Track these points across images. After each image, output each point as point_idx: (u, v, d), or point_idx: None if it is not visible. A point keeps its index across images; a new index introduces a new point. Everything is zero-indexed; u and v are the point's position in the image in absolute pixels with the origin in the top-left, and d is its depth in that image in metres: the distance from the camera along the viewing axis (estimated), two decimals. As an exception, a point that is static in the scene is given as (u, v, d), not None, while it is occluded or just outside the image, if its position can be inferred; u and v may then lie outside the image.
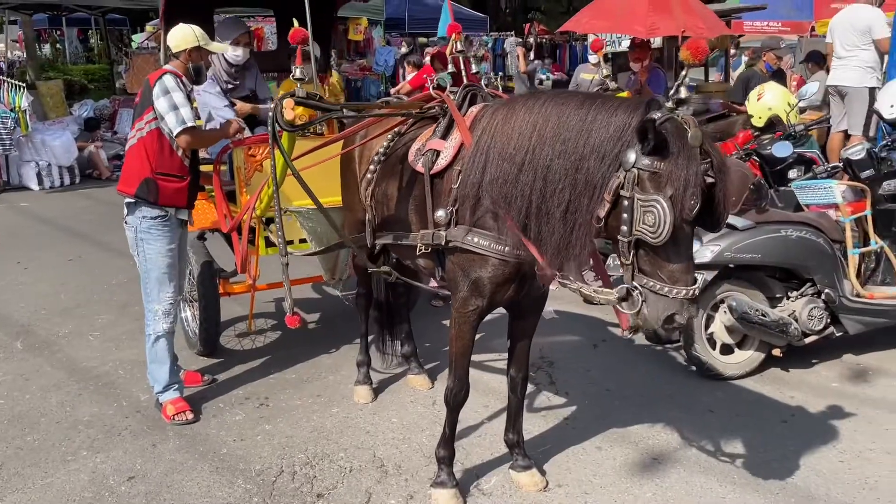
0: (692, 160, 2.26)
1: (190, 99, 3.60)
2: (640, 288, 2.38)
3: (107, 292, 5.77)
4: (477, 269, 2.83)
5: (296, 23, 3.31)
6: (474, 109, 3.01)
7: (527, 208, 2.57)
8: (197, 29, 3.67)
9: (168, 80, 3.52)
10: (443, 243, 2.88)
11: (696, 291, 2.36)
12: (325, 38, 5.45)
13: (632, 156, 2.32)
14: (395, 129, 3.41)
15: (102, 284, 5.94)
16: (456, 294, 2.94)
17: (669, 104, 2.33)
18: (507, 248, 2.74)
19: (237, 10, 8.71)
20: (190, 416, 3.75)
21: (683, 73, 2.43)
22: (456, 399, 3.06)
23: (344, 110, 3.21)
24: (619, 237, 2.37)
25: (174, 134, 3.54)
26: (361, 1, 5.36)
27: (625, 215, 2.33)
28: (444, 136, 3.01)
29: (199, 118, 3.79)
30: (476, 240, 2.79)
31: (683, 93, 2.38)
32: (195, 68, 3.68)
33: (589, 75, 9.05)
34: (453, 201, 2.86)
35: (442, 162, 2.93)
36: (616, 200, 2.35)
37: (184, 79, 3.62)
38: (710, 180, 2.29)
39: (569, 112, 2.51)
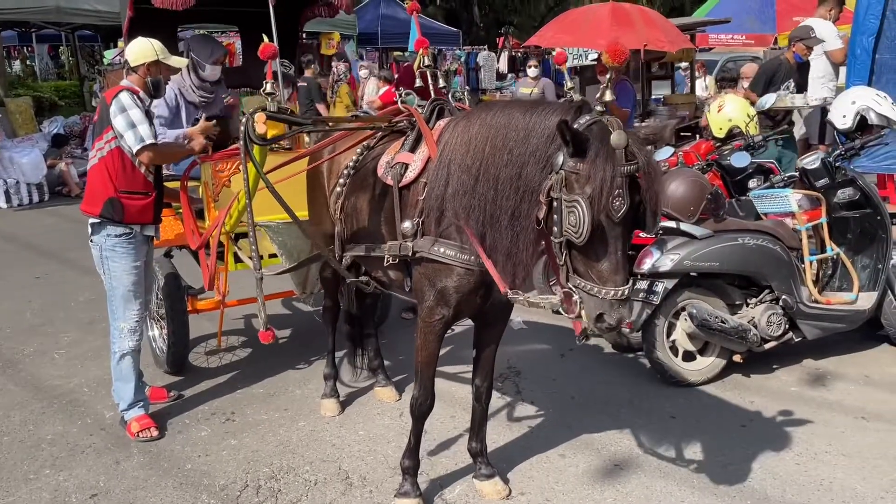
0: (611, 160, 2.31)
1: (149, 115, 3.59)
2: (576, 291, 2.43)
3: (73, 310, 5.72)
4: (443, 278, 2.87)
5: (265, 38, 3.34)
6: (441, 123, 3.06)
7: (483, 218, 2.63)
8: (156, 42, 3.66)
9: (124, 98, 3.51)
10: (410, 254, 2.92)
11: (626, 292, 2.39)
12: (291, 54, 5.49)
13: (560, 158, 2.40)
14: (364, 143, 3.45)
15: (69, 302, 5.89)
16: (422, 304, 2.98)
17: (599, 107, 2.41)
18: (472, 258, 2.79)
19: (201, 26, 8.67)
20: (155, 432, 3.73)
21: (608, 75, 2.52)
22: (421, 409, 3.09)
23: (315, 125, 3.25)
24: (552, 238, 2.43)
25: (134, 152, 3.54)
26: (329, 17, 5.38)
27: (555, 216, 2.39)
28: (413, 150, 3.06)
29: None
30: (442, 250, 2.84)
31: (608, 96, 2.46)
32: (154, 82, 3.65)
33: (528, 89, 9.08)
34: (420, 213, 2.90)
35: (410, 175, 2.97)
36: (550, 202, 2.41)
37: (141, 94, 3.61)
38: (639, 181, 2.34)
39: (514, 122, 2.59)
